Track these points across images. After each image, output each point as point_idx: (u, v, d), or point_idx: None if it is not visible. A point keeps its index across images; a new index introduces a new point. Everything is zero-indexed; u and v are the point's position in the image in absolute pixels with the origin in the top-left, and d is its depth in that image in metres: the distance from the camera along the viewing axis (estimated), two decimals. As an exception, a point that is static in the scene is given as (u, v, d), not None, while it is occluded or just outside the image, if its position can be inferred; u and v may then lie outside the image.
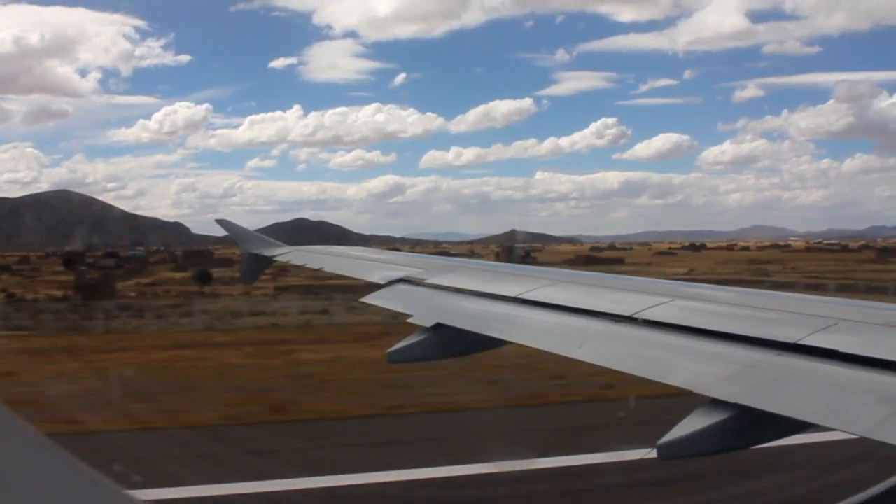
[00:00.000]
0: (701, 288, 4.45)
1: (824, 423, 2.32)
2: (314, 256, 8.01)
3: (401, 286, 5.42)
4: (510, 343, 4.04)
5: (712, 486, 8.42)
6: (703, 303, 3.77)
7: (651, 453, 2.53)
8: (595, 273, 5.29)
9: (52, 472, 1.00)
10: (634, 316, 3.53)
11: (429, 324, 4.34)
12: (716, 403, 2.58)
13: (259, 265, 8.97)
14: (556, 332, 3.85)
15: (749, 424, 2.51)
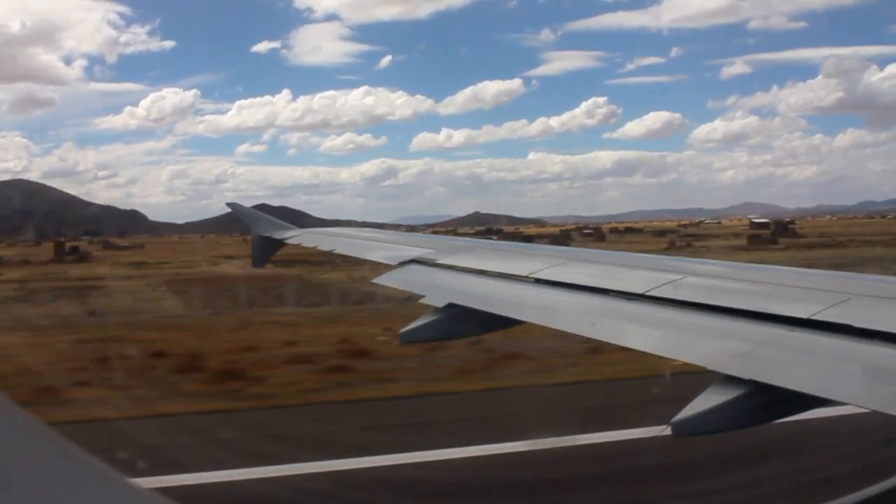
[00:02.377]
0: (712, 265, 4.44)
1: (839, 398, 2.32)
2: (325, 238, 8.04)
3: (413, 267, 5.43)
4: (523, 322, 4.06)
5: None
6: (714, 279, 3.76)
7: (665, 431, 2.54)
8: (606, 251, 5.29)
9: (52, 461, 1.00)
10: (646, 293, 3.53)
11: (441, 304, 4.36)
12: (730, 380, 2.58)
13: (269, 248, 8.99)
14: (569, 310, 3.86)
15: (763, 401, 2.51)
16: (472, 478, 8.83)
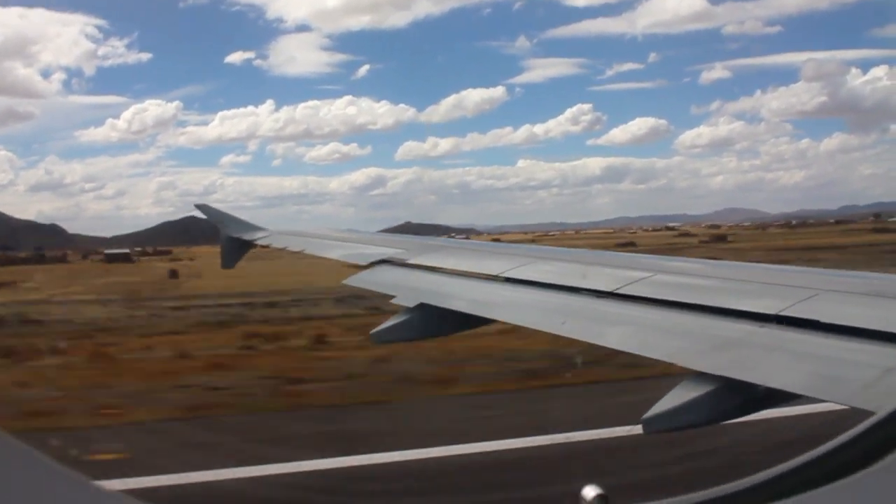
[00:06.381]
0: (683, 262, 4.46)
1: (808, 393, 2.33)
2: (295, 239, 7.96)
3: (383, 267, 5.39)
4: (494, 321, 4.04)
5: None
6: (684, 277, 3.77)
7: (636, 429, 2.54)
8: (576, 249, 5.30)
9: (19, 470, 0.96)
10: (617, 291, 3.52)
11: (412, 304, 4.33)
12: (700, 376, 2.58)
13: (239, 249, 8.89)
14: (539, 308, 3.85)
15: (734, 397, 2.52)
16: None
